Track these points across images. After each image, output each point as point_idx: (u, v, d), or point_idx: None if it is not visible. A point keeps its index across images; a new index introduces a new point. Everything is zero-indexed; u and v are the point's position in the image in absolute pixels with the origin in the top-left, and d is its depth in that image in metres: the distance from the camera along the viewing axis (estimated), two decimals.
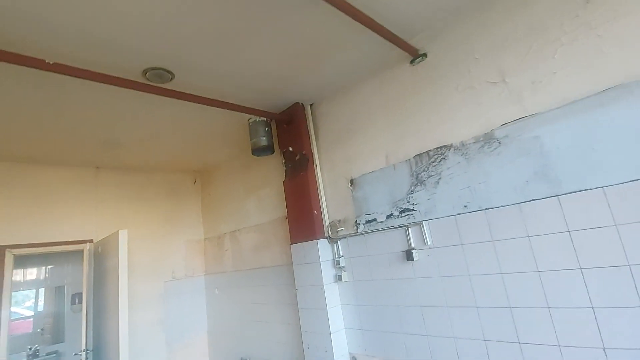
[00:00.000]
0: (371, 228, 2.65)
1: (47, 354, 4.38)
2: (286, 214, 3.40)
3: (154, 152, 3.93)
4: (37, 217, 3.65)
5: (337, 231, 2.87)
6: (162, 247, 4.49)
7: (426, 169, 2.35)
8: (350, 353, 2.75)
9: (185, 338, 4.38)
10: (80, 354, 3.19)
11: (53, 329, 4.73)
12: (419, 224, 2.36)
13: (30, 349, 4.32)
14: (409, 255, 2.35)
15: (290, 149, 3.20)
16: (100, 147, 3.53)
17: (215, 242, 4.63)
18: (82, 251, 3.67)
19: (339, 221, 2.89)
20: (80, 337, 3.36)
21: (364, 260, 2.69)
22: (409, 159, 2.45)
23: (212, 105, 2.66)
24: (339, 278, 2.81)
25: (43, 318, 4.75)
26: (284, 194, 3.25)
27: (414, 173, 2.42)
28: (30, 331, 4.62)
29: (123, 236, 3.13)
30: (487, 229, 2.04)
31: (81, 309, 4.64)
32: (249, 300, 3.88)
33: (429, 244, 2.30)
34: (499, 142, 2.03)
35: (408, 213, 2.43)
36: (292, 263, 3.27)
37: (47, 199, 3.76)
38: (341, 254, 2.85)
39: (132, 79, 2.30)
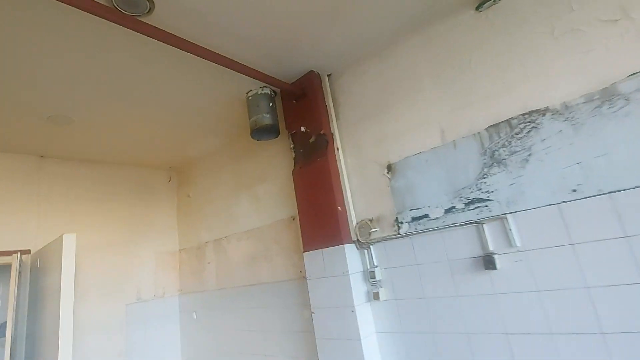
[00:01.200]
0: (421, 227, 1.98)
1: None
2: (293, 214, 2.67)
3: (117, 137, 3.08)
4: None
5: (370, 233, 2.17)
6: (124, 260, 3.56)
7: (507, 143, 1.73)
8: None
9: None
10: None
11: None
12: (499, 218, 1.71)
13: None
14: (488, 262, 1.69)
15: (303, 129, 2.49)
16: (44, 125, 2.65)
17: (193, 253, 3.76)
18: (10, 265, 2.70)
19: (371, 220, 2.20)
20: None
21: (411, 271, 2.00)
22: (479, 132, 1.83)
23: (201, 56, 1.92)
24: (374, 296, 2.09)
25: None
26: (294, 187, 2.52)
27: (487, 150, 1.79)
28: None
29: (69, 242, 2.25)
30: (615, 220, 1.43)
31: (5, 344, 3.57)
32: (239, 326, 3.04)
33: (517, 245, 1.65)
34: (627, 99, 1.45)
35: (480, 204, 1.78)
36: (303, 277, 2.52)
37: None
38: (375, 264, 2.15)
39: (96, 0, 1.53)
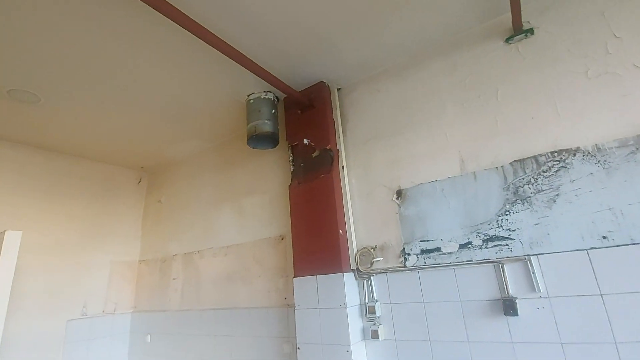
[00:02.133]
0: (430, 261, 1.82)
1: None
2: (283, 234, 2.42)
3: (86, 126, 2.70)
4: None
5: (372, 262, 1.97)
6: (72, 267, 3.07)
7: (532, 180, 1.64)
8: None
9: None
10: None
11: None
12: (521, 259, 1.59)
13: None
14: (508, 307, 1.54)
15: (306, 141, 2.30)
16: (2, 99, 2.25)
17: (157, 266, 3.34)
18: None
19: (374, 248, 2.01)
20: None
21: (416, 309, 1.81)
22: (502, 166, 1.73)
23: (208, 41, 1.67)
24: (372, 335, 1.87)
25: None
26: (289, 204, 2.28)
27: (511, 186, 1.69)
28: None
29: (12, 241, 1.85)
30: None
31: None
32: (203, 356, 2.66)
33: (540, 290, 1.52)
34: None
35: (500, 242, 1.66)
36: (287, 305, 2.25)
37: None
38: (376, 297, 1.94)
39: None
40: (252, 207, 2.72)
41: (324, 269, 1.99)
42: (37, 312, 2.75)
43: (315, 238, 2.08)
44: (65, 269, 3.02)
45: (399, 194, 2.00)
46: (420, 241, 1.87)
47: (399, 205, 1.99)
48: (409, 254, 1.89)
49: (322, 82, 2.35)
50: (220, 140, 3.09)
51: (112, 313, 3.24)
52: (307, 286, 2.03)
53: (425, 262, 1.83)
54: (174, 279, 3.12)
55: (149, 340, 3.10)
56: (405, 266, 1.89)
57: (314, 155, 2.25)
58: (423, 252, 1.85)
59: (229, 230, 2.82)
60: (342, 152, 2.25)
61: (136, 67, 2.05)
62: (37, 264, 2.81)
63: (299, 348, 1.98)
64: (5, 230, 1.88)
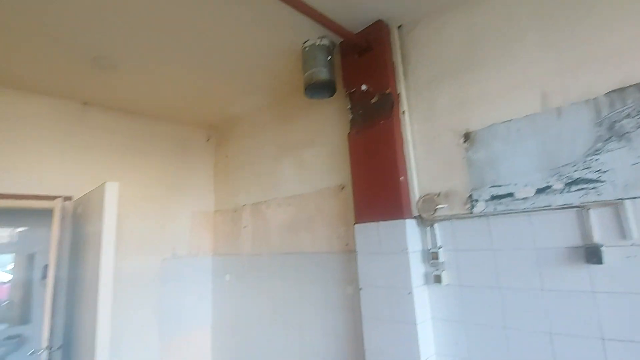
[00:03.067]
0: (502, 207, 1.70)
1: (7, 337, 3.43)
2: (343, 183, 2.45)
3: (159, 88, 2.92)
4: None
5: (435, 209, 1.91)
6: (162, 216, 3.52)
7: (634, 113, 1.39)
8: None
9: (183, 331, 3.45)
10: (40, 353, 2.23)
11: (22, 304, 3.78)
12: (612, 204, 1.41)
13: None
14: (591, 255, 1.41)
15: (364, 87, 2.21)
16: (89, 67, 2.51)
17: (229, 216, 3.66)
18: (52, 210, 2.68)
19: (438, 195, 1.94)
20: (43, 328, 2.41)
21: (484, 256, 1.75)
22: (595, 98, 1.49)
23: None
24: (434, 279, 1.87)
25: (13, 289, 3.79)
26: (348, 153, 2.28)
27: (605, 121, 1.46)
28: (6, 299, 3.65)
29: (112, 190, 2.16)
30: None
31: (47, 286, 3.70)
32: (273, 294, 2.94)
33: (632, 237, 1.35)
34: None
35: (586, 186, 1.47)
36: (349, 251, 2.33)
37: (16, 137, 2.74)
38: (439, 244, 1.90)
39: None
40: (312, 158, 2.77)
41: (385, 216, 2.00)
42: (137, 253, 3.25)
43: (375, 186, 2.07)
44: (156, 217, 3.47)
45: (467, 137, 1.86)
46: (491, 187, 1.75)
47: (466, 149, 1.86)
48: (476, 201, 1.79)
49: (380, 21, 2.18)
50: (280, 94, 3.13)
51: (196, 255, 3.71)
52: (368, 232, 2.07)
53: (495, 209, 1.72)
54: (244, 227, 3.41)
55: (228, 279, 3.51)
56: (471, 213, 1.80)
57: (372, 101, 2.17)
58: (493, 198, 1.74)
59: (292, 182, 2.94)
60: (403, 96, 2.13)
61: (202, 26, 2.11)
62: (134, 212, 3.27)
63: (361, 289, 2.07)
64: (105, 182, 2.19)
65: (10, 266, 3.88)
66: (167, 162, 3.65)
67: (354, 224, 2.17)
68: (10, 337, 3.46)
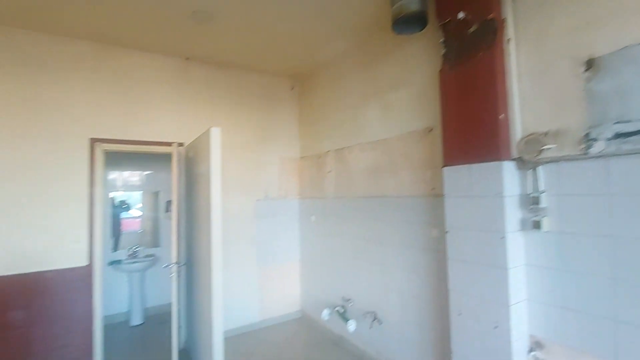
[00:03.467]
0: (628, 147, 1.45)
1: (145, 256, 4.36)
2: (430, 125, 2.34)
3: (249, 38, 3.03)
4: (124, 111, 3.17)
5: (540, 150, 1.72)
6: (255, 161, 3.87)
7: None
8: (532, 336, 1.80)
9: (276, 262, 3.93)
10: (171, 267, 2.81)
11: (152, 232, 4.71)
12: None
13: (130, 249, 4.32)
14: None
15: (461, 15, 1.98)
16: (189, 21, 2.73)
17: (314, 162, 3.84)
18: (170, 154, 3.16)
19: (545, 134, 1.73)
20: (172, 249, 3.00)
21: (596, 201, 1.55)
22: None
23: None
24: (533, 225, 1.74)
25: (144, 221, 4.73)
26: (439, 91, 2.14)
27: None
28: (138, 230, 4.64)
29: (216, 135, 2.43)
30: None
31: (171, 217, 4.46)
32: (356, 234, 3.10)
33: None
34: None
35: None
36: (434, 195, 2.29)
37: (134, 91, 3.23)
38: (541, 188, 1.74)
39: None
40: (397, 101, 2.67)
41: (479, 158, 1.88)
42: (236, 194, 3.68)
43: (469, 126, 1.94)
44: (250, 162, 3.83)
45: (590, 64, 1.57)
46: (615, 123, 1.49)
47: (587, 79, 1.58)
48: (594, 140, 1.55)
49: None
50: (364, 36, 2.99)
51: (285, 198, 4.05)
52: (458, 175, 1.99)
53: (619, 149, 1.48)
54: (328, 172, 3.56)
55: (313, 220, 3.79)
56: (586, 154, 1.58)
57: (470, 31, 1.94)
58: (618, 136, 1.48)
59: (375, 127, 2.91)
60: (509, 22, 1.86)
61: None
62: (232, 156, 3.66)
63: (447, 232, 2.05)
64: (210, 127, 2.48)
65: (139, 205, 4.78)
66: (258, 112, 3.91)
67: (442, 167, 2.09)
68: (147, 256, 4.38)
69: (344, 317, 3.12)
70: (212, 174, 2.43)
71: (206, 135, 2.55)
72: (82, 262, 2.92)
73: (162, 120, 3.35)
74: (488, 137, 1.84)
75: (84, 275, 2.91)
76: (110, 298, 4.07)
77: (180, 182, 3.21)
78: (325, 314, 3.32)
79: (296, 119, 4.18)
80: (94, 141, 3.02)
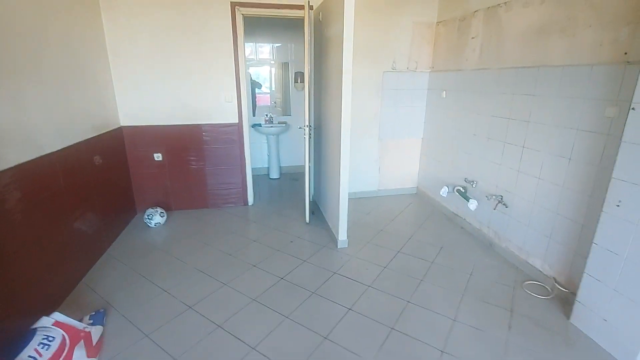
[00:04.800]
0: None
1: (278, 123, 4.90)
2: None
3: None
4: None
5: None
6: (383, 28, 3.53)
7: None
8: None
9: (396, 137, 3.93)
10: (304, 129, 3.09)
11: (283, 103, 5.16)
12: None
13: (267, 115, 4.89)
14: None
15: None
16: None
17: (454, 26, 3.28)
18: (302, 21, 3.11)
19: None
20: (302, 114, 3.25)
21: None
22: None
23: None
24: None
25: (275, 94, 5.17)
26: None
27: None
28: (269, 104, 5.17)
29: None
30: None
31: (303, 88, 4.70)
32: (493, 112, 2.74)
33: None
34: None
35: None
36: (628, 62, 1.74)
37: None
38: None
39: None
40: None
41: None
42: (363, 63, 3.54)
43: None
44: (379, 30, 3.52)
45: None
46: None
47: None
48: None
49: None
50: None
51: (414, 70, 3.73)
52: None
53: None
54: (472, 38, 3.02)
55: (444, 96, 3.47)
56: None
57: None
58: None
59: None
60: None
61: None
62: (360, 22, 3.37)
63: (633, 109, 1.61)
64: None
65: (267, 83, 5.13)
66: None
67: None
68: (280, 123, 4.91)
69: (465, 196, 3.08)
70: (345, 34, 2.34)
71: None
72: (234, 119, 3.46)
73: None
74: None
75: (235, 130, 3.49)
76: (254, 155, 4.90)
77: (310, 48, 3.23)
78: (444, 191, 3.33)
79: None
80: (234, 5, 3.16)
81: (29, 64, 1.94)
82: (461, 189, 3.17)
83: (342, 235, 2.81)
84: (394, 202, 3.90)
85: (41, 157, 1.99)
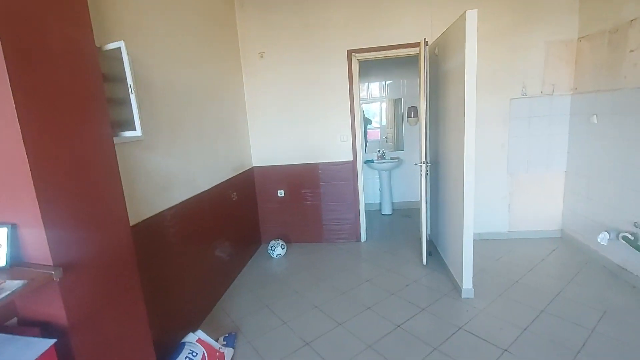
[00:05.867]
0: None
1: (391, 158, 4.86)
2: None
3: None
4: (371, 21, 3.30)
5: None
6: (510, 50, 3.22)
7: None
8: None
9: (530, 171, 3.40)
10: (420, 165, 2.97)
11: (394, 138, 5.13)
12: None
13: (379, 151, 4.91)
14: None
15: None
16: None
17: (603, 40, 2.76)
18: (416, 58, 3.10)
19: None
20: (418, 149, 3.14)
21: None
22: None
23: None
24: None
25: (386, 129, 5.20)
26: None
27: None
28: (379, 139, 5.23)
29: (472, 18, 2.12)
30: None
31: (417, 122, 4.60)
32: None
33: None
34: None
35: None
36: None
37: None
38: None
39: None
40: None
41: None
42: (485, 90, 3.26)
43: None
44: (504, 52, 3.23)
45: None
46: None
47: None
48: None
49: None
50: None
51: (550, 94, 3.24)
52: None
53: None
54: (630, 52, 2.48)
55: (595, 121, 2.89)
56: None
57: None
58: None
59: None
60: None
61: None
62: (481, 48, 3.16)
63: None
64: (465, 11, 2.17)
65: (376, 118, 5.20)
66: None
67: None
68: (393, 158, 4.85)
69: (636, 246, 2.40)
70: (467, 64, 2.22)
71: (461, 20, 2.27)
72: (348, 157, 3.58)
73: (404, 23, 3.27)
74: None
75: (350, 167, 3.60)
76: (365, 190, 4.93)
77: (426, 84, 3.16)
78: (603, 237, 2.67)
79: None
80: (350, 52, 3.38)
81: (195, 128, 2.47)
82: (629, 236, 2.48)
83: (467, 284, 2.49)
84: (531, 247, 3.31)
85: (196, 195, 2.42)
